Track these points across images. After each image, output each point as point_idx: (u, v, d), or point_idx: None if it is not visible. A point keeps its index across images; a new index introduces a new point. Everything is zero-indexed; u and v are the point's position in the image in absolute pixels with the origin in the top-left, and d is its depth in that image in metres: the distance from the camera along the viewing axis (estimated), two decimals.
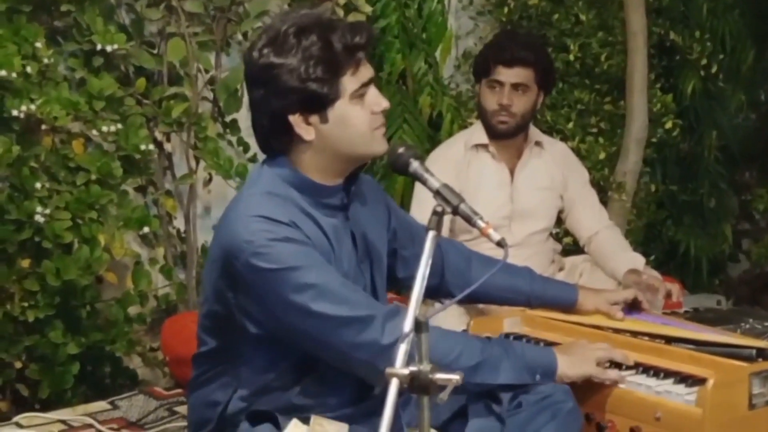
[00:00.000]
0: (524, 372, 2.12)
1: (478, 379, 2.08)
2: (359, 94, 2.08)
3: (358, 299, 2.05)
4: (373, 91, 2.11)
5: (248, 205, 2.06)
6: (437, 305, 2.95)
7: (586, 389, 2.22)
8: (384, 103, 2.12)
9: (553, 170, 3.39)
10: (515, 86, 3.24)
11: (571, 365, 2.18)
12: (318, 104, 2.06)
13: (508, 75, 3.24)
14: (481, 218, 1.99)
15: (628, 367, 2.27)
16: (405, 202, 3.79)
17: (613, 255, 3.25)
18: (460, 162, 3.31)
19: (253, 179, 2.18)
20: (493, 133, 3.30)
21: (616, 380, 2.23)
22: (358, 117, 2.08)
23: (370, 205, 2.25)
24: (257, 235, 2.00)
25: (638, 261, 3.19)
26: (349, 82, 2.06)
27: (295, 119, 2.07)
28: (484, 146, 3.33)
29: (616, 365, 2.28)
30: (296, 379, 2.11)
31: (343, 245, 2.13)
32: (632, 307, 2.63)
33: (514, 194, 3.34)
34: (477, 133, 3.36)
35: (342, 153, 2.11)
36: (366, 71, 2.09)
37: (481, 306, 3.03)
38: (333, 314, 2.00)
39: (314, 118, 2.07)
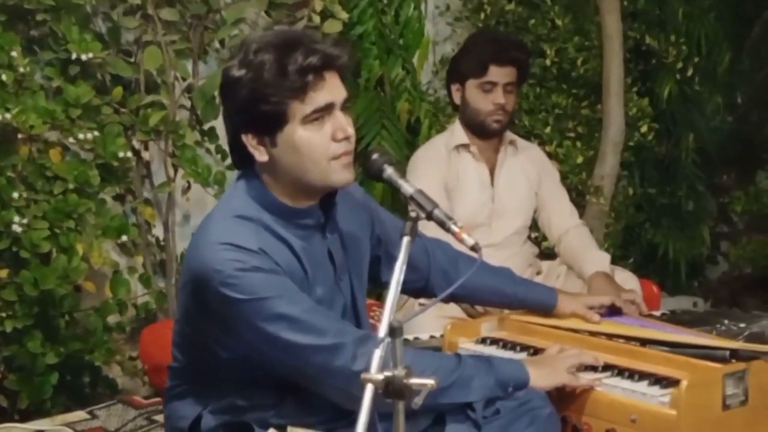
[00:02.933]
0: (496, 388, 2.13)
1: (450, 399, 2.09)
2: (313, 119, 2.00)
3: (329, 326, 2.03)
4: (337, 117, 2.02)
5: (218, 231, 2.02)
6: (417, 308, 2.98)
7: (562, 392, 2.23)
8: (348, 131, 2.02)
9: (528, 169, 3.43)
10: (506, 85, 3.29)
11: (542, 377, 2.20)
12: (266, 126, 2.01)
13: (501, 75, 3.29)
14: (455, 223, 1.99)
15: (604, 369, 2.29)
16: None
17: (578, 256, 3.26)
18: (444, 163, 3.34)
19: (225, 198, 2.16)
20: (484, 132, 3.33)
21: (590, 386, 2.24)
22: (310, 143, 2.00)
23: (350, 216, 2.22)
24: (226, 265, 1.98)
25: (603, 260, 3.18)
26: (299, 107, 1.99)
27: (247, 139, 2.03)
28: (465, 146, 3.36)
29: (591, 367, 2.29)
30: (272, 401, 2.10)
31: (318, 266, 2.11)
32: (611, 310, 2.65)
33: (495, 194, 3.37)
34: (457, 134, 3.38)
35: (296, 180, 2.05)
36: (323, 95, 2.00)
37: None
38: (302, 343, 1.99)
39: (266, 140, 2.03)
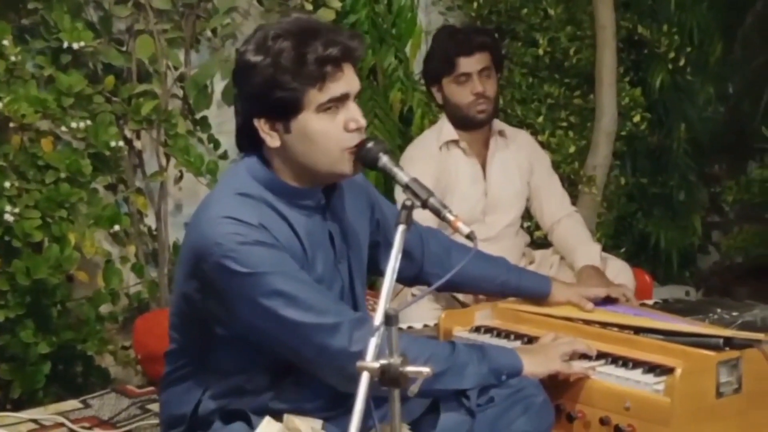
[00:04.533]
0: (490, 376, 2.14)
1: (444, 386, 2.10)
2: (327, 108, 2.02)
3: (327, 305, 2.04)
4: (350, 107, 2.05)
5: (219, 206, 2.04)
6: (409, 298, 2.99)
7: (556, 380, 2.24)
8: (360, 121, 2.05)
9: (519, 159, 3.43)
10: (480, 72, 3.27)
11: (536, 365, 2.21)
12: (281, 112, 2.02)
13: (471, 64, 3.27)
14: (450, 211, 2.00)
15: (598, 357, 2.30)
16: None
17: (569, 249, 3.28)
18: (435, 161, 3.33)
19: (227, 177, 2.16)
20: (471, 124, 3.32)
21: (584, 373, 2.25)
22: (323, 133, 2.02)
23: (351, 200, 2.22)
24: (227, 238, 1.98)
25: (592, 254, 3.20)
26: (316, 96, 2.01)
27: (259, 124, 2.05)
28: (455, 142, 3.35)
29: (586, 356, 2.30)
30: (270, 384, 2.10)
31: (318, 247, 2.11)
32: (604, 299, 2.66)
33: (488, 188, 3.37)
34: (446, 130, 3.37)
35: (305, 166, 2.06)
36: (340, 86, 2.02)
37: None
38: (301, 321, 1.99)
39: (279, 126, 2.04)
